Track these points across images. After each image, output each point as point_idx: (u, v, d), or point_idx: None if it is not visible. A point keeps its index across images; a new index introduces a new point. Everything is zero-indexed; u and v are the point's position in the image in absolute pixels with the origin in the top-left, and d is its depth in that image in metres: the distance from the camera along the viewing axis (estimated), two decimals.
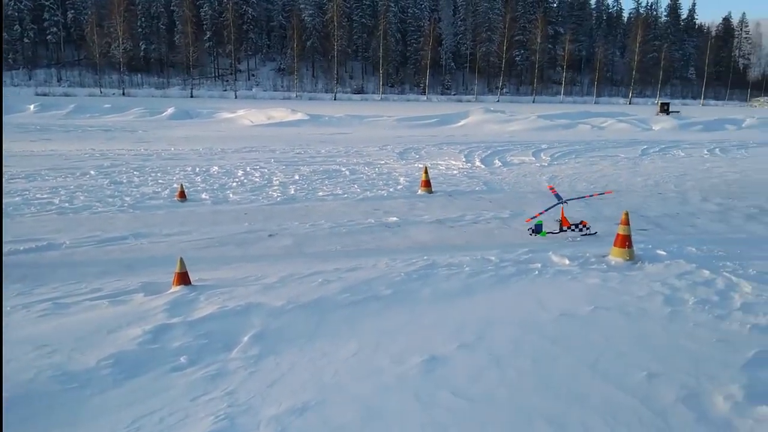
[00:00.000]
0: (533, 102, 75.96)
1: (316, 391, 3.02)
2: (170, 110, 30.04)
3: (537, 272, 5.13)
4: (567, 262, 5.47)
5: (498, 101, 72.75)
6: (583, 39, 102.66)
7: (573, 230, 6.73)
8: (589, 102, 76.41)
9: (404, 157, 14.56)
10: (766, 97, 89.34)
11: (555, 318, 4.05)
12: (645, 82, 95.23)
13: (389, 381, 3.13)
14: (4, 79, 57.71)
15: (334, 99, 68.53)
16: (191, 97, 60.40)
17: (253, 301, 4.29)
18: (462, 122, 29.04)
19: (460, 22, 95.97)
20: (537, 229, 6.66)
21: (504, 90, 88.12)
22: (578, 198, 7.87)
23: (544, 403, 2.88)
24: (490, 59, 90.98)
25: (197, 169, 11.81)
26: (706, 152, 17.34)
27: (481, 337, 3.69)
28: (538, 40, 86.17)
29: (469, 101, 71.16)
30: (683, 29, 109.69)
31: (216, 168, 11.93)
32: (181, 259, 4.71)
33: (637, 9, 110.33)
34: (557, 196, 7.10)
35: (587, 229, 6.77)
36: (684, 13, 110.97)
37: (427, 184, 9.60)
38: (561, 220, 6.79)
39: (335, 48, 75.06)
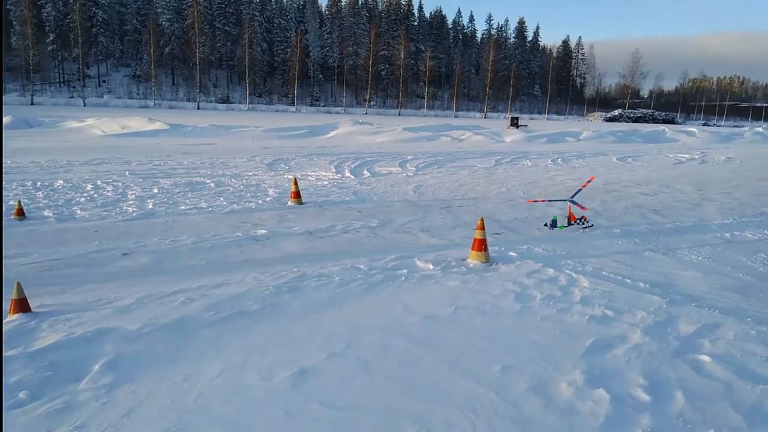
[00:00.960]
0: (399, 115, 78.88)
1: (176, 417, 2.85)
2: (6, 119, 26.76)
3: (403, 278, 5.31)
4: (431, 266, 5.73)
5: (366, 113, 74.49)
6: (443, 56, 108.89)
7: (578, 224, 8.00)
8: (450, 115, 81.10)
9: (273, 168, 14.33)
10: (599, 112, 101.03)
11: (420, 321, 4.22)
12: (498, 97, 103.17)
13: (257, 397, 3.05)
14: None
15: (198, 108, 65.66)
16: (32, 104, 54.35)
17: (104, 326, 3.94)
18: (331, 133, 29.30)
19: (326, 35, 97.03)
20: (554, 224, 7.90)
21: (371, 103, 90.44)
22: (577, 192, 8.81)
23: (409, 403, 2.98)
24: (358, 72, 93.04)
25: (38, 183, 10.64)
26: (550, 162, 19.16)
27: (350, 345, 3.73)
28: (402, 55, 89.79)
29: (338, 113, 72.09)
30: (529, 50, 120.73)
31: (61, 182, 10.83)
32: (19, 284, 4.21)
33: (489, 30, 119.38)
34: (574, 197, 8.39)
35: (587, 222, 8.13)
36: (530, 35, 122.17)
37: (297, 195, 9.53)
38: (569, 216, 8.05)
39: (197, 55, 71.96)
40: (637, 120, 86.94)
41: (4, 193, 9.51)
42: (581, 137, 34.47)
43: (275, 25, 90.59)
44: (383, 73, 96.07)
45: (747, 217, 9.35)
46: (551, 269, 5.68)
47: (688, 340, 3.95)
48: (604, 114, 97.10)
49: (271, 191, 10.61)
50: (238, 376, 3.30)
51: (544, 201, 8.67)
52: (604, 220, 8.78)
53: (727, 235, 7.90)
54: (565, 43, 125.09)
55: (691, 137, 38.89)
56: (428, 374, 3.34)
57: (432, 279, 5.33)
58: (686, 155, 24.62)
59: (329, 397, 3.04)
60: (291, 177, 11.47)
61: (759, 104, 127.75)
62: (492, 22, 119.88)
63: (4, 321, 4.03)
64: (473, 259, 5.98)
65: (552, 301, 4.76)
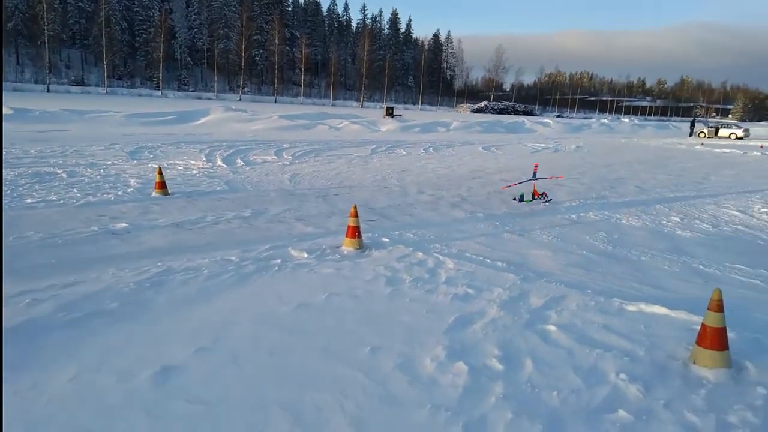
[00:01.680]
0: (275, 102, 77.21)
1: (22, 429, 2.60)
2: None
3: (277, 268, 5.26)
4: (305, 255, 5.73)
5: (240, 100, 71.99)
6: (318, 44, 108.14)
7: (540, 198, 9.83)
8: (327, 104, 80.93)
9: (135, 157, 13.39)
10: (468, 104, 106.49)
11: (292, 310, 4.22)
12: (373, 87, 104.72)
13: (115, 401, 2.87)
14: None
15: (47, 91, 59.29)
16: None
17: None
18: (202, 120, 27.96)
19: (194, 16, 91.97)
20: (521, 198, 9.72)
21: (246, 89, 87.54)
22: (544, 178, 10.93)
23: (280, 393, 2.98)
24: (230, 57, 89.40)
25: None
26: (422, 151, 19.92)
27: (219, 338, 3.64)
28: (276, 41, 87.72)
29: (209, 99, 68.85)
30: (402, 42, 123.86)
31: None
32: None
33: (363, 20, 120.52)
34: (534, 174, 10.04)
35: (547, 197, 9.93)
36: (403, 27, 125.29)
37: (162, 185, 9.01)
38: (533, 192, 9.92)
39: (45, 32, 64.77)
40: (500, 111, 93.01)
41: None
42: (451, 127, 36.17)
43: (136, 3, 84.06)
44: (257, 58, 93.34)
45: (591, 200, 10.44)
46: (420, 253, 5.94)
47: (537, 312, 4.35)
48: (472, 105, 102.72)
49: (132, 181, 9.92)
50: (93, 379, 3.08)
51: (516, 184, 10.50)
52: (469, 205, 9.33)
53: (573, 216, 8.76)
54: (436, 36, 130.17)
55: (546, 128, 42.41)
56: (300, 362, 3.36)
57: (306, 267, 5.33)
58: (542, 144, 26.84)
59: (195, 394, 2.95)
60: (155, 166, 10.79)
61: (605, 98, 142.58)
62: (366, 12, 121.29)
63: None
64: (347, 246, 6.08)
65: (420, 283, 4.99)
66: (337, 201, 9.23)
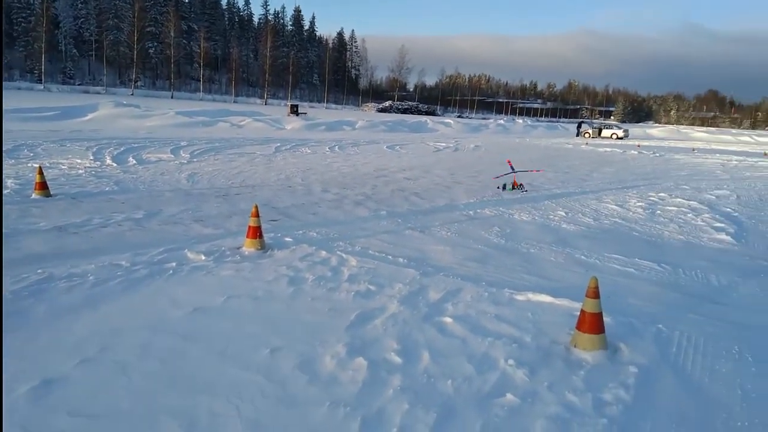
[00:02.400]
0: (172, 97, 73.66)
1: None
2: None
3: (172, 271, 5.04)
4: (203, 257, 5.54)
5: (132, 94, 67.88)
6: (218, 38, 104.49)
7: (519, 189, 11.65)
8: (229, 101, 78.48)
9: (13, 156, 12.25)
10: (373, 103, 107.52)
11: (188, 314, 4.07)
12: (278, 84, 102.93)
13: None
14: None
15: None
16: None
17: None
18: (90, 116, 26.11)
19: (81, 5, 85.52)
20: (504, 187, 11.72)
21: (139, 83, 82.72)
22: (524, 171, 13.46)
23: (172, 400, 2.87)
24: (121, 49, 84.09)
25: None
26: (327, 149, 19.90)
27: (106, 348, 3.43)
28: (172, 33, 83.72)
29: (98, 93, 64.41)
30: (306, 39, 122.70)
31: None
32: None
33: (265, 15, 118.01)
34: (511, 167, 12.19)
35: (524, 188, 11.87)
36: (306, 24, 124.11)
37: (43, 186, 8.31)
38: (513, 183, 11.91)
39: None
40: (405, 111, 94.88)
41: None
42: (357, 126, 36.42)
43: None
44: (151, 51, 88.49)
45: (487, 197, 10.94)
46: (324, 251, 5.94)
47: (435, 305, 4.51)
48: (377, 105, 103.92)
49: (9, 182, 9.08)
50: None
51: (503, 175, 12.60)
52: (373, 203, 9.45)
53: (471, 212, 9.15)
54: (340, 35, 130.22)
55: (448, 128, 43.89)
56: (194, 368, 3.25)
57: (203, 270, 5.16)
58: (443, 144, 27.74)
59: (78, 406, 2.76)
60: (36, 165, 9.93)
61: (501, 100, 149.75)
62: (269, 7, 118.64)
63: None
64: (248, 247, 5.95)
65: (323, 281, 5.00)
66: (238, 201, 8.99)
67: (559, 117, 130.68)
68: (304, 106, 63.68)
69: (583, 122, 56.06)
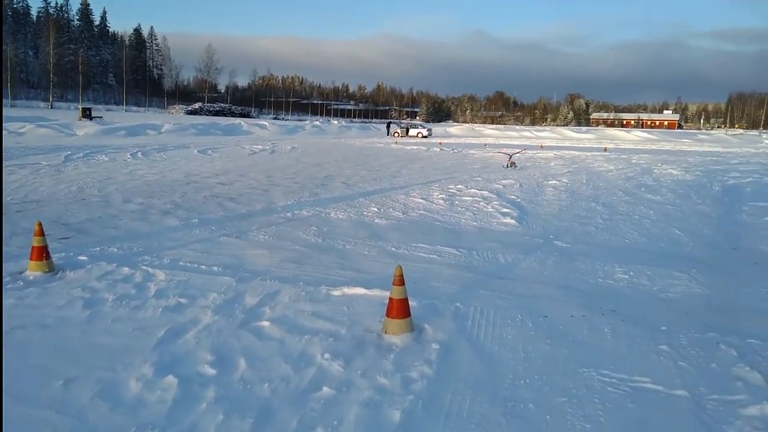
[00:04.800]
0: None
1: None
2: None
3: None
4: None
5: None
6: None
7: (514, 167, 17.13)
8: (6, 105, 67.71)
9: None
10: (180, 105, 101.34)
11: None
12: (66, 85, 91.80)
13: None
14: None
15: None
16: None
17: None
18: None
19: None
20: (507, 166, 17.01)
21: None
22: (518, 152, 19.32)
23: None
24: None
25: None
26: (129, 156, 18.31)
27: None
28: None
29: None
30: (98, 35, 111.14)
31: None
32: None
33: (46, 9, 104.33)
34: (509, 156, 18.94)
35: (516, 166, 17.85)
36: (97, 20, 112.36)
37: None
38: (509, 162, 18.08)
39: None
40: (217, 113, 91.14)
41: None
42: (163, 130, 34.09)
43: None
44: None
45: (304, 198, 11.06)
46: (126, 268, 5.49)
47: (252, 310, 4.46)
48: (186, 107, 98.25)
49: None
50: None
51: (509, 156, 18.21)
52: (184, 211, 8.96)
53: (288, 214, 9.17)
54: (138, 32, 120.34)
55: (263, 130, 43.29)
56: None
57: None
58: (259, 146, 27.30)
59: None
60: None
61: (315, 101, 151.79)
62: (49, 0, 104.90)
63: None
64: (33, 270, 5.25)
65: (126, 300, 4.62)
66: (19, 219, 7.86)
67: (371, 118, 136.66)
68: (99, 110, 57.71)
69: (391, 123, 59.43)
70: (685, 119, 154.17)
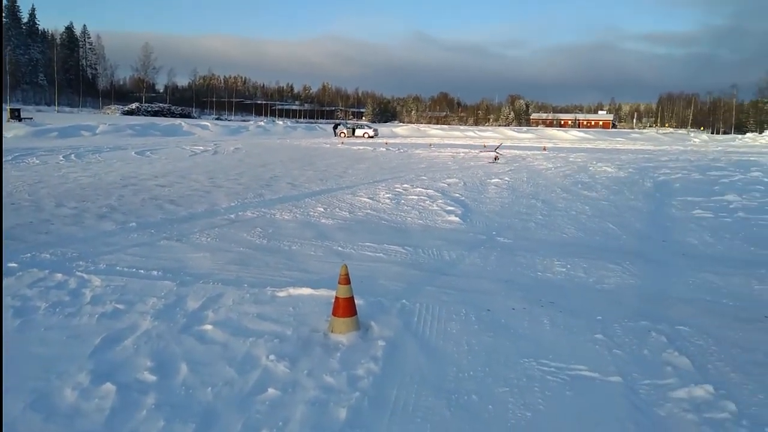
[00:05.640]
0: None
1: None
2: None
3: None
4: None
5: None
6: None
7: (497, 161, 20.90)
8: None
9: None
10: (116, 105, 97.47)
11: None
12: None
13: None
14: None
15: None
16: None
17: None
18: None
19: None
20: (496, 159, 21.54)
21: None
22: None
23: None
24: None
25: None
26: (61, 158, 17.49)
27: None
28: None
29: None
30: (26, 33, 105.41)
31: None
32: None
33: None
34: (495, 148, 24.52)
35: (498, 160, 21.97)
36: (25, 17, 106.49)
37: None
38: (495, 157, 21.83)
39: None
40: (155, 114, 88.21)
41: None
42: (98, 131, 32.75)
43: None
44: None
45: (249, 199, 10.88)
46: (60, 274, 5.25)
47: (194, 314, 4.35)
48: (122, 107, 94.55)
49: None
50: None
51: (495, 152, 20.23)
52: (121, 215, 8.65)
53: (232, 216, 9.00)
54: (69, 30, 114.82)
55: (205, 131, 42.29)
56: None
57: None
58: (201, 147, 26.66)
59: None
60: None
61: (260, 101, 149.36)
62: None
63: None
64: None
65: (59, 307, 4.42)
66: None
67: (317, 118, 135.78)
68: (29, 111, 54.74)
69: (339, 123, 59.32)
70: (619, 119, 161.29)
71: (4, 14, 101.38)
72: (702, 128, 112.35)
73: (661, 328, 4.34)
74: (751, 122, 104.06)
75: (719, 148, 42.47)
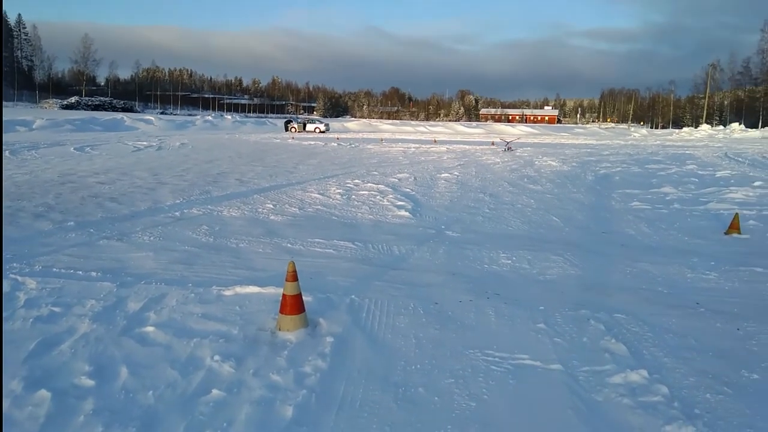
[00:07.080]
0: None
1: None
2: None
3: None
4: None
5: None
6: None
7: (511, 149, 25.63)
8: None
9: None
10: (55, 99, 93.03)
11: None
12: None
13: None
14: None
15: None
16: None
17: None
18: None
19: None
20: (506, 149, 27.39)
21: None
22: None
23: None
24: None
25: None
26: None
27: None
28: None
29: None
30: None
31: None
32: None
33: None
34: (507, 143, 30.33)
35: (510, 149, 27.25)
36: None
37: None
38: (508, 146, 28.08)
39: None
40: (96, 108, 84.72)
41: None
42: (34, 126, 31.19)
43: None
44: None
45: (195, 196, 10.61)
46: None
47: (135, 316, 4.22)
48: (61, 101, 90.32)
49: None
50: None
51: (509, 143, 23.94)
52: (58, 214, 8.28)
53: (177, 213, 8.76)
54: (2, 19, 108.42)
55: (149, 125, 40.93)
56: None
57: None
58: (144, 143, 25.80)
59: None
60: None
61: (207, 95, 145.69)
62: None
63: None
64: None
65: None
66: None
67: (267, 113, 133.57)
68: None
69: (290, 119, 58.62)
70: (564, 114, 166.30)
71: None
72: (642, 123, 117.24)
73: (599, 316, 4.51)
74: (688, 117, 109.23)
75: (657, 142, 44.39)
